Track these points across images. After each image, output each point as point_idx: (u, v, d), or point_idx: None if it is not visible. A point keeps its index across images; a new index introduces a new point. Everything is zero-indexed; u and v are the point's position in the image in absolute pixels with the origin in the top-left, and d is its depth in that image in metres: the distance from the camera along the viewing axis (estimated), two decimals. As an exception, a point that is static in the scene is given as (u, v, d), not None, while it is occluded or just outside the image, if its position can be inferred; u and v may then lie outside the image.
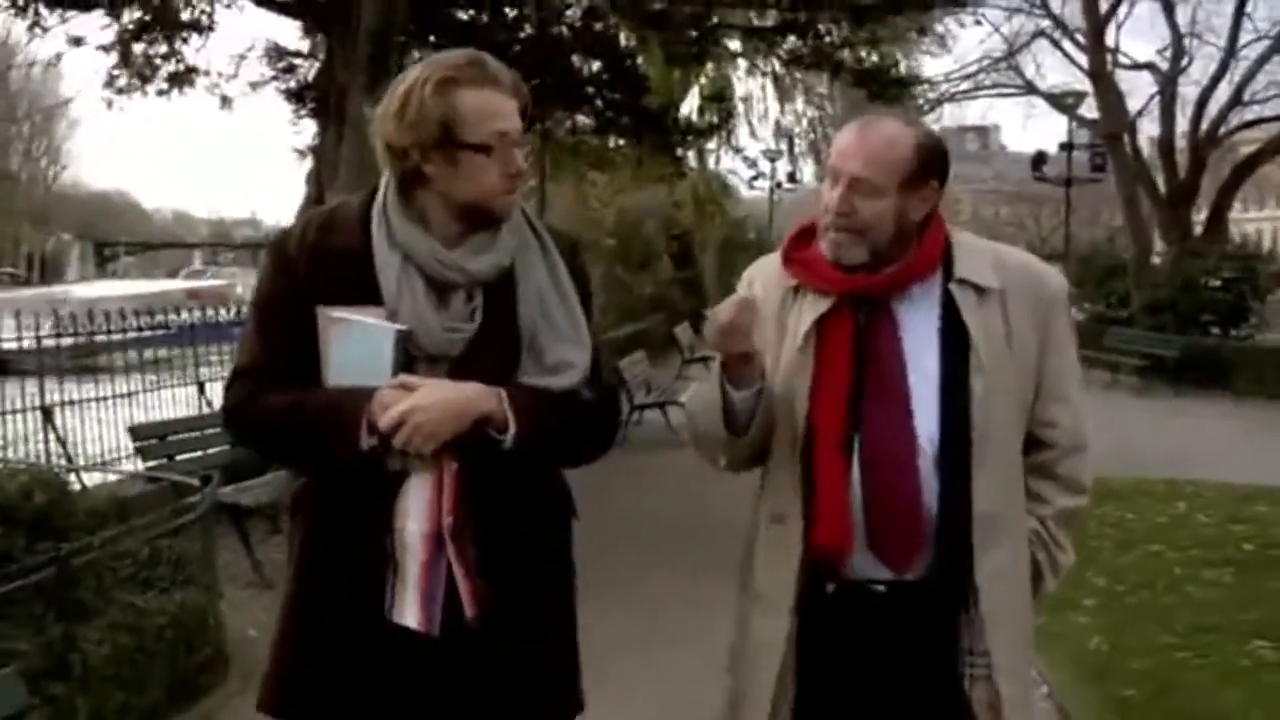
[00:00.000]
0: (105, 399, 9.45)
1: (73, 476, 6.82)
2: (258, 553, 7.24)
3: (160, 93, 12.55)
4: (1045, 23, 27.98)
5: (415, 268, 2.18)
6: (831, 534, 2.27)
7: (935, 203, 2.36)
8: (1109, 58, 26.34)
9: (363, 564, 2.18)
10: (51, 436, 8.65)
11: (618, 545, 7.09)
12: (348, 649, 2.21)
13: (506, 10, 13.43)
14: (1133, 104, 27.24)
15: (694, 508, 7.72)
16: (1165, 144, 25.73)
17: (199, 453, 8.07)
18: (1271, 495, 9.47)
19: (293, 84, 13.40)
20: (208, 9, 12.07)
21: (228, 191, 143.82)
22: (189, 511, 5.70)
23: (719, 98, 20.40)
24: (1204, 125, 25.12)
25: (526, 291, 2.23)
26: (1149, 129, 28.45)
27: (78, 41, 11.88)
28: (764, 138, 34.78)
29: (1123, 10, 27.06)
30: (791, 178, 36.02)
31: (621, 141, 15.66)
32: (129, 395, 9.76)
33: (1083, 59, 26.72)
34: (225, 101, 13.02)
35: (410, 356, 2.17)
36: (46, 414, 8.68)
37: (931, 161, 2.32)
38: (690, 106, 20.71)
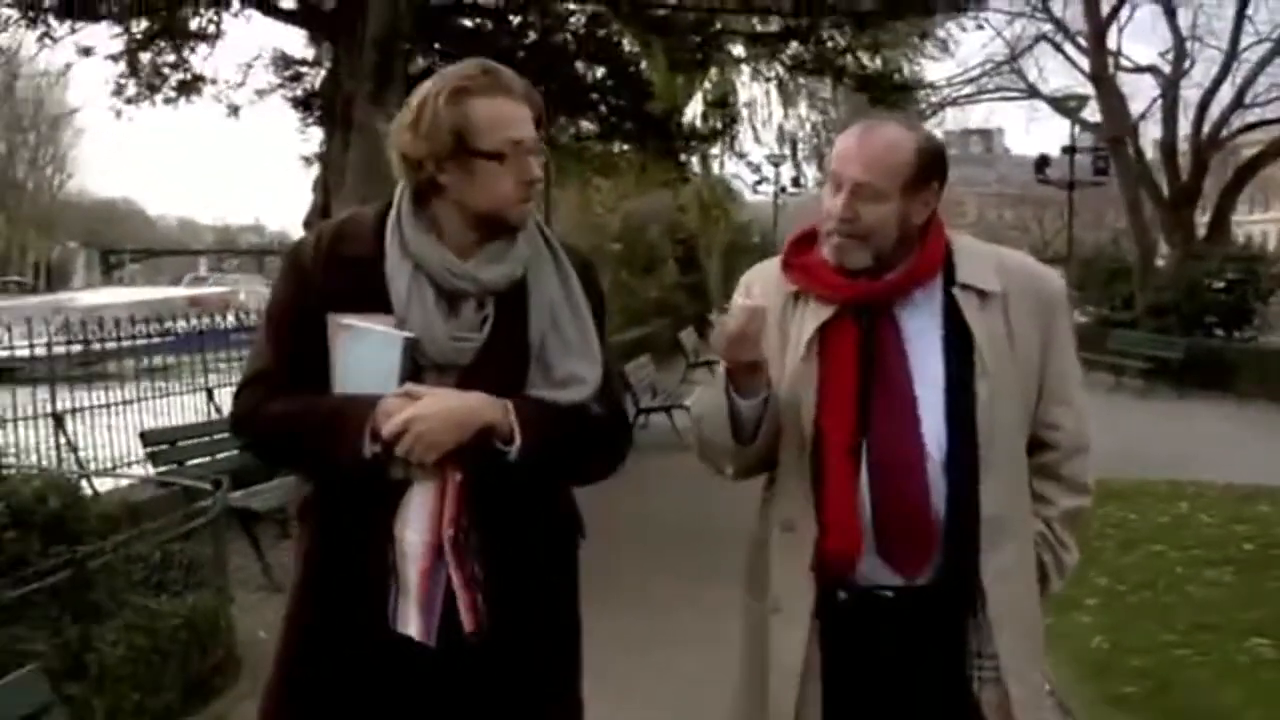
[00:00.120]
0: (115, 405, 9.54)
1: (84, 482, 6.90)
2: (268, 557, 7.29)
3: (168, 101, 12.61)
4: (1047, 26, 28.04)
5: (426, 277, 2.18)
6: (842, 540, 2.27)
7: (935, 205, 2.36)
8: (1111, 61, 26.36)
9: (365, 573, 2.17)
10: (63, 442, 8.73)
11: (621, 548, 7.13)
12: (350, 658, 2.20)
13: (511, 18, 13.48)
14: (1135, 107, 27.40)
15: (698, 511, 7.75)
16: (1168, 147, 25.74)
17: (208, 458, 8.13)
18: (1273, 495, 9.51)
19: (299, 92, 13.45)
20: (215, 18, 12.12)
21: (232, 199, 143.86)
22: (200, 515, 5.77)
23: (722, 103, 20.41)
24: (1206, 128, 25.15)
25: (538, 302, 2.23)
26: (1151, 132, 28.55)
27: (87, 52, 11.93)
28: (767, 142, 34.64)
29: (1124, 14, 27.16)
30: (795, 182, 35.99)
31: (625, 147, 15.67)
32: (138, 401, 9.85)
33: (1085, 62, 26.71)
34: (233, 110, 13.08)
35: (418, 365, 2.16)
36: (58, 421, 8.77)
37: (932, 164, 2.32)
38: (694, 112, 20.72)
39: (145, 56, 12.31)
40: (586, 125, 14.47)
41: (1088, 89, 26.22)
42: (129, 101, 12.51)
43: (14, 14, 11.22)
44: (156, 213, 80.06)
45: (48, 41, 11.27)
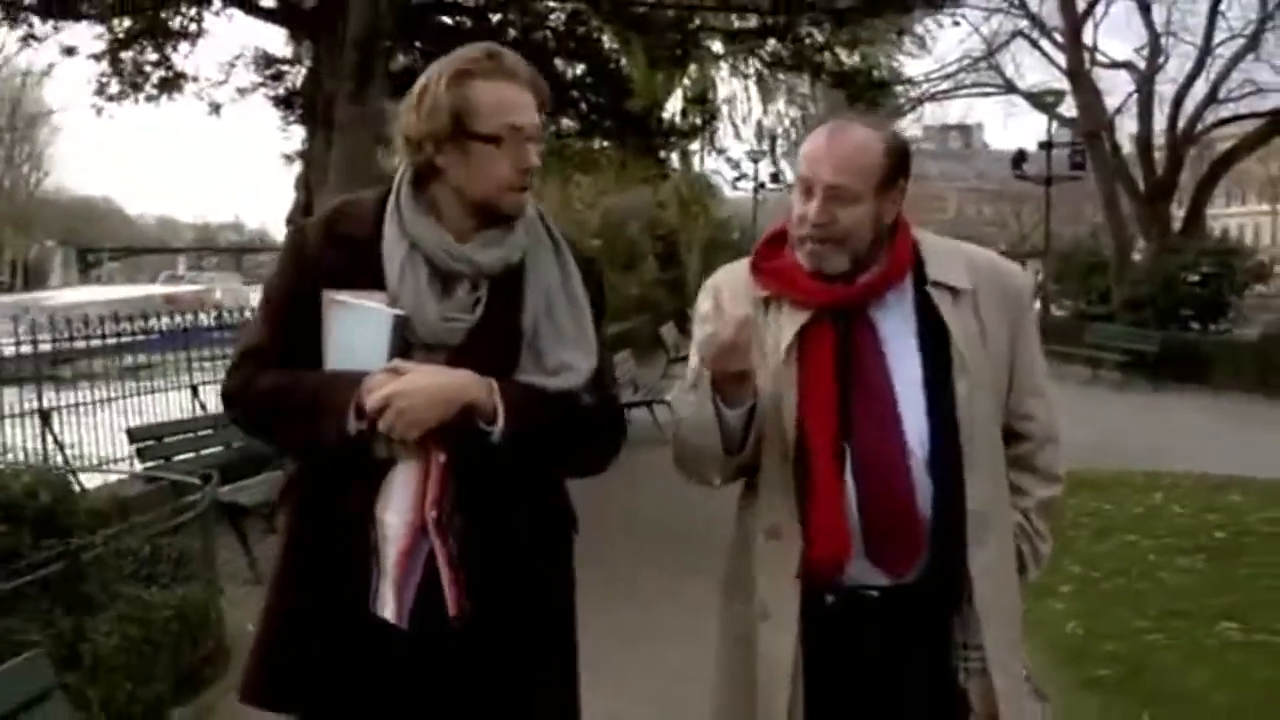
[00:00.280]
0: (100, 402, 9.58)
1: (72, 478, 6.94)
2: (254, 551, 7.32)
3: (149, 99, 12.59)
4: (1024, 22, 28.19)
5: (422, 256, 2.18)
6: (831, 545, 2.26)
7: (901, 203, 2.36)
8: (1087, 57, 26.57)
9: (347, 553, 2.16)
10: (50, 439, 8.77)
11: (613, 541, 7.14)
12: (329, 639, 2.19)
13: (491, 15, 13.49)
14: (1111, 102, 27.58)
15: (679, 506, 7.77)
16: (1143, 141, 25.90)
17: (194, 453, 8.19)
18: (1245, 485, 9.67)
19: (281, 90, 13.41)
20: (197, 17, 12.12)
21: (213, 196, 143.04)
22: (189, 510, 5.83)
23: (701, 99, 20.40)
24: (1181, 123, 25.32)
25: (534, 289, 2.22)
26: (1127, 127, 28.66)
27: (70, 51, 11.91)
28: (747, 138, 34.87)
29: (1100, 9, 27.38)
30: (774, 178, 36.08)
31: (605, 144, 15.67)
32: (124, 398, 9.89)
33: (1061, 58, 26.95)
34: (214, 108, 13.08)
35: (408, 343, 2.16)
36: (44, 418, 8.80)
37: (900, 162, 2.32)
38: (673, 108, 20.74)
39: (127, 55, 12.28)
40: (566, 122, 14.47)
41: (1064, 84, 26.38)
42: (111, 99, 12.49)
43: (-2, 14, 11.19)
44: (136, 211, 79.74)
45: (32, 42, 11.24)
